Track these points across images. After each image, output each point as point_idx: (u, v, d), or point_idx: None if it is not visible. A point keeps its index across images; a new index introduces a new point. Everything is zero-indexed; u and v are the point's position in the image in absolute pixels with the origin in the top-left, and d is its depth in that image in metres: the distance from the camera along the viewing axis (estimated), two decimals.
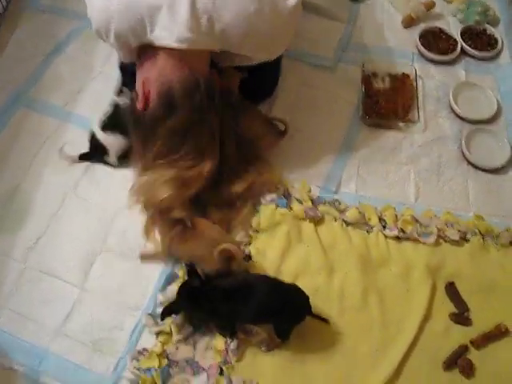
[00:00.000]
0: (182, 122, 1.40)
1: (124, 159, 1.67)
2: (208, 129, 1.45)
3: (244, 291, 1.34)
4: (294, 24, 1.50)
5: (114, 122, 1.65)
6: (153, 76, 1.42)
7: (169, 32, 1.35)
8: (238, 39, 1.40)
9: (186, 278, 1.42)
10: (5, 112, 1.83)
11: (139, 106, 1.44)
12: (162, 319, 1.38)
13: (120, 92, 1.71)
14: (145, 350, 1.40)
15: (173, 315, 1.40)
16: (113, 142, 1.65)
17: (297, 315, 1.35)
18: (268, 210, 1.60)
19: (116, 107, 1.67)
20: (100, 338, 1.43)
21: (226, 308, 1.34)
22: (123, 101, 1.65)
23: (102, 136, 1.65)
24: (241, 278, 1.41)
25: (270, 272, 1.49)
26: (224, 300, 1.34)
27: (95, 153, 1.69)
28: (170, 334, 1.41)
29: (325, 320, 1.39)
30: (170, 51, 1.38)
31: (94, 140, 1.67)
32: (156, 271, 1.52)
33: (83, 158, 1.70)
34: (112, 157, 1.67)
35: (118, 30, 1.39)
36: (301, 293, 1.36)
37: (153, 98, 1.42)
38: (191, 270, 1.39)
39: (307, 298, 1.35)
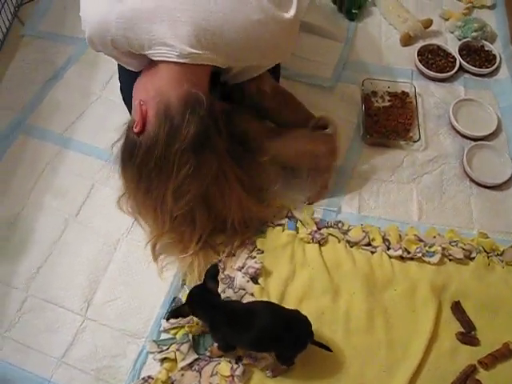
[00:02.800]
0: (188, 141, 1.32)
1: None
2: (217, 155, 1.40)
3: (246, 318, 1.33)
4: (295, 32, 1.48)
5: None
6: (150, 95, 1.37)
7: (170, 47, 1.32)
8: (242, 52, 1.39)
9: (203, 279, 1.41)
10: (4, 139, 1.83)
11: (136, 129, 1.34)
12: (168, 319, 1.41)
13: None
14: (150, 377, 1.38)
15: (177, 341, 1.41)
16: None
17: (299, 343, 1.33)
18: (274, 231, 1.60)
19: None
20: (103, 366, 1.42)
21: (225, 330, 1.34)
22: None
23: None
24: (244, 305, 1.40)
25: (275, 295, 1.48)
26: (225, 322, 1.33)
27: None
28: (174, 360, 1.39)
29: (327, 348, 1.37)
30: (169, 68, 1.35)
31: None
32: (159, 298, 1.51)
33: None
34: None
35: (115, 43, 1.36)
36: (303, 320, 1.34)
37: (150, 119, 1.35)
38: (212, 272, 1.38)
39: (309, 325, 1.34)
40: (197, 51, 1.32)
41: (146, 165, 1.35)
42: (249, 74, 1.54)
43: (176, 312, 1.38)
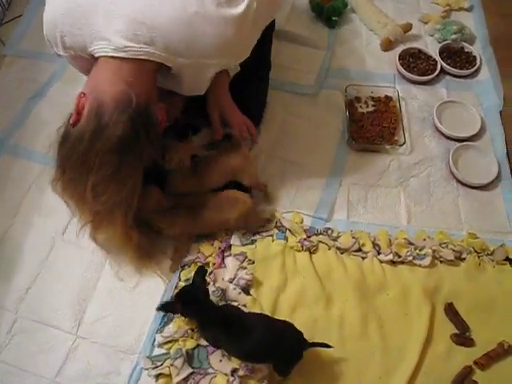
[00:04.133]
0: (112, 143, 1.29)
1: None
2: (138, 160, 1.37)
3: (240, 330, 1.33)
4: (245, 28, 1.40)
5: None
6: (89, 89, 1.34)
7: (107, 41, 1.31)
8: (183, 45, 1.34)
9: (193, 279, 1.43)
10: None
11: (71, 120, 1.34)
12: (158, 309, 1.45)
13: None
14: None
15: (171, 356, 1.41)
16: None
17: (294, 354, 1.33)
18: (264, 241, 1.60)
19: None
20: None
21: (215, 335, 1.35)
22: None
23: None
24: (237, 314, 1.40)
25: (268, 305, 1.47)
26: (217, 328, 1.35)
27: None
28: (169, 376, 1.38)
29: (326, 345, 1.36)
30: (107, 64, 1.33)
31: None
32: (151, 312, 1.50)
33: None
34: None
35: (64, 43, 1.37)
36: (294, 330, 1.33)
37: (84, 113, 1.32)
38: (200, 272, 1.40)
39: (301, 333, 1.33)
40: (133, 45, 1.30)
41: (71, 157, 1.33)
42: (201, 79, 1.49)
43: (167, 307, 1.40)
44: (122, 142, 1.29)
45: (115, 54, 1.31)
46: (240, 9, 1.36)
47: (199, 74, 1.46)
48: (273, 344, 1.31)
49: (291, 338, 1.32)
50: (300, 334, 1.33)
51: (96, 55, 1.34)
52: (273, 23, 1.88)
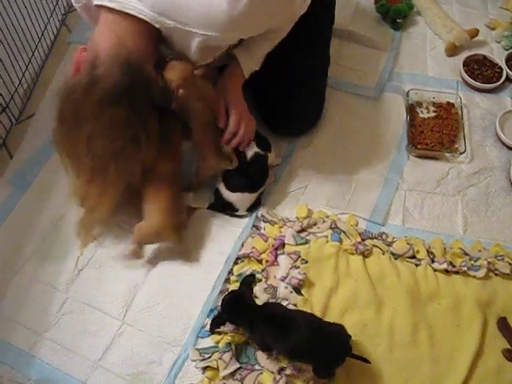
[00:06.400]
0: (105, 94, 1.29)
1: (252, 209, 1.67)
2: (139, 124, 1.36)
3: (284, 324, 1.34)
4: (240, 10, 1.32)
5: None
6: (89, 43, 1.38)
7: None
8: (168, 6, 1.32)
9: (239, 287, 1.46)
10: (51, 144, 1.83)
11: (71, 73, 1.38)
12: (212, 331, 1.44)
13: None
14: None
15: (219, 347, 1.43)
16: (242, 199, 1.64)
17: (335, 358, 1.32)
18: (318, 242, 1.59)
19: None
20: (139, 372, 1.43)
21: (262, 332, 1.36)
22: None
23: (229, 195, 1.64)
24: (284, 310, 1.41)
25: (318, 306, 1.47)
26: (263, 324, 1.35)
27: (223, 209, 1.68)
28: (216, 369, 1.40)
29: (365, 360, 1.35)
30: (104, 17, 1.35)
31: (220, 198, 1.65)
32: (197, 307, 1.52)
33: (211, 208, 1.69)
34: (241, 211, 1.66)
35: None
36: (341, 335, 1.33)
37: (83, 66, 1.36)
38: (247, 280, 1.45)
39: (347, 340, 1.32)
40: None
41: (65, 106, 1.34)
42: (188, 46, 1.43)
43: (215, 321, 1.42)
44: (114, 94, 1.30)
45: (104, 3, 1.33)
46: None
47: (185, 41, 1.42)
48: (316, 344, 1.31)
49: (336, 341, 1.32)
50: (347, 339, 1.32)
51: (94, 3, 1.36)
52: (331, 17, 1.85)
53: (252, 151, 1.63)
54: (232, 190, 1.62)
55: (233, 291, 1.48)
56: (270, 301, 1.48)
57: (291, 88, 1.74)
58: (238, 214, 1.67)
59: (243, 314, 1.39)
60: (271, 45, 1.57)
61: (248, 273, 1.54)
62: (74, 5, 1.50)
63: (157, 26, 1.36)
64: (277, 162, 1.78)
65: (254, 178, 1.64)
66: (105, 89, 1.29)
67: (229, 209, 1.65)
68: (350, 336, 1.33)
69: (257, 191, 1.65)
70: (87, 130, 1.32)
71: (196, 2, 1.31)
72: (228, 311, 1.41)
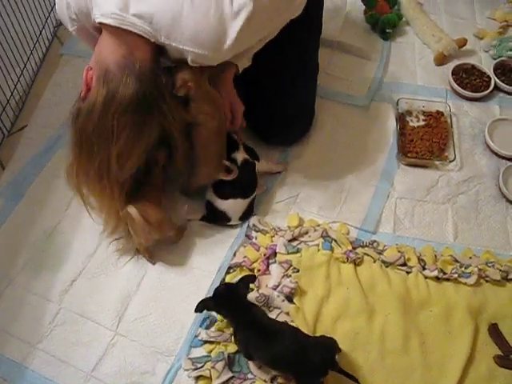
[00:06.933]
0: (126, 103, 1.32)
1: (244, 217, 1.68)
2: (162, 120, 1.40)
3: (267, 334, 1.35)
4: (237, 29, 1.34)
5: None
6: (95, 61, 1.39)
7: (98, 7, 1.34)
8: (166, 26, 1.33)
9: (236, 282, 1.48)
10: (43, 155, 1.87)
11: (82, 94, 1.38)
12: (196, 311, 1.43)
13: None
14: None
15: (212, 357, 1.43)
16: (234, 206, 1.65)
17: (316, 371, 1.32)
18: (310, 251, 1.60)
19: None
20: (132, 382, 1.43)
21: (246, 336, 1.37)
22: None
23: (221, 203, 1.64)
24: (270, 321, 1.41)
25: (310, 314, 1.47)
26: (249, 329, 1.37)
27: (215, 220, 1.68)
28: (209, 378, 1.40)
29: (354, 379, 1.35)
30: (106, 33, 1.36)
31: (213, 208, 1.66)
32: (190, 316, 1.51)
33: (204, 220, 1.70)
34: (234, 220, 1.67)
35: (70, 12, 1.42)
36: (326, 347, 1.33)
37: (93, 84, 1.36)
38: (247, 279, 1.46)
39: (332, 355, 1.31)
40: (121, 13, 1.32)
41: (86, 129, 1.35)
42: (183, 58, 1.44)
43: (202, 303, 1.42)
44: (134, 101, 1.32)
45: (106, 21, 1.33)
46: (238, 5, 1.32)
47: (180, 55, 1.42)
48: (298, 356, 1.31)
49: (319, 354, 1.31)
50: (330, 353, 1.32)
51: (96, 21, 1.37)
52: (319, 25, 1.86)
53: (241, 157, 1.65)
54: (224, 197, 1.63)
55: (229, 284, 1.50)
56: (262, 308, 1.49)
57: (281, 97, 1.75)
58: (230, 223, 1.67)
59: (230, 310, 1.41)
60: (262, 44, 1.58)
61: None
62: (70, 29, 1.50)
63: (152, 40, 1.37)
64: (277, 169, 1.80)
65: (245, 184, 1.65)
66: (125, 99, 1.31)
67: (221, 219, 1.66)
68: (337, 350, 1.32)
69: (249, 197, 1.66)
70: (116, 145, 1.35)
71: (191, 23, 1.33)
72: (217, 302, 1.42)
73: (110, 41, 1.36)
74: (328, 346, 1.33)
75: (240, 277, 1.51)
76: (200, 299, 1.50)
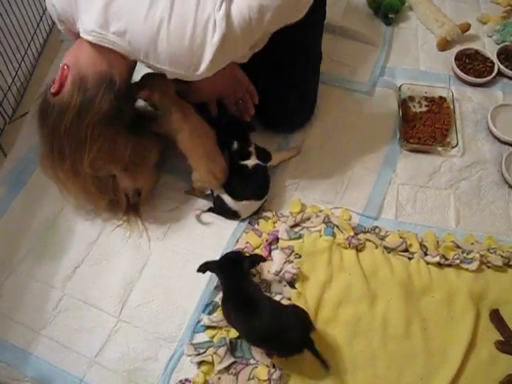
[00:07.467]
0: (100, 116, 1.35)
1: (255, 213, 1.68)
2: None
3: (247, 308, 1.36)
4: (212, 51, 1.30)
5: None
6: (73, 62, 1.38)
7: (80, 22, 1.34)
8: (146, 47, 1.31)
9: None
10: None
11: (53, 89, 1.37)
12: (199, 271, 1.45)
13: None
14: (187, 380, 1.40)
15: (214, 343, 1.44)
16: (248, 207, 1.65)
17: (294, 348, 1.35)
18: (312, 237, 1.60)
19: None
20: (135, 368, 1.44)
21: (228, 308, 1.41)
22: None
23: (234, 204, 1.63)
24: (255, 296, 1.41)
25: (312, 300, 1.48)
26: (230, 301, 1.40)
27: (224, 215, 1.68)
28: (211, 363, 1.41)
29: (324, 364, 1.36)
30: (89, 45, 1.35)
31: (224, 206, 1.65)
32: (192, 303, 1.52)
33: (211, 211, 1.70)
34: (244, 216, 1.67)
35: (60, 16, 1.42)
36: (301, 325, 1.35)
37: (67, 84, 1.36)
38: (255, 257, 1.50)
39: (307, 330, 1.34)
40: (100, 31, 1.31)
41: (57, 129, 1.38)
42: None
43: (205, 265, 1.45)
44: (108, 116, 1.36)
45: (84, 36, 1.34)
46: (217, 37, 1.30)
47: (159, 70, 1.41)
48: (274, 333, 1.33)
49: (295, 331, 1.32)
50: (306, 331, 1.34)
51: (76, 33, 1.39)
52: (323, 14, 1.85)
53: (253, 163, 1.64)
54: (239, 199, 1.62)
55: (237, 253, 1.52)
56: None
57: (283, 84, 1.74)
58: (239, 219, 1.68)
59: (227, 278, 1.43)
60: (256, 49, 1.58)
61: None
62: (59, 27, 1.52)
63: (131, 58, 1.37)
64: (291, 154, 1.80)
65: (259, 185, 1.66)
66: (100, 111, 1.35)
67: (231, 216, 1.67)
68: (307, 329, 1.35)
69: (263, 198, 1.66)
70: (89, 153, 1.39)
71: (167, 46, 1.30)
72: (219, 266, 1.45)
73: (90, 51, 1.36)
74: (303, 323, 1.35)
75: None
76: (202, 286, 1.52)
